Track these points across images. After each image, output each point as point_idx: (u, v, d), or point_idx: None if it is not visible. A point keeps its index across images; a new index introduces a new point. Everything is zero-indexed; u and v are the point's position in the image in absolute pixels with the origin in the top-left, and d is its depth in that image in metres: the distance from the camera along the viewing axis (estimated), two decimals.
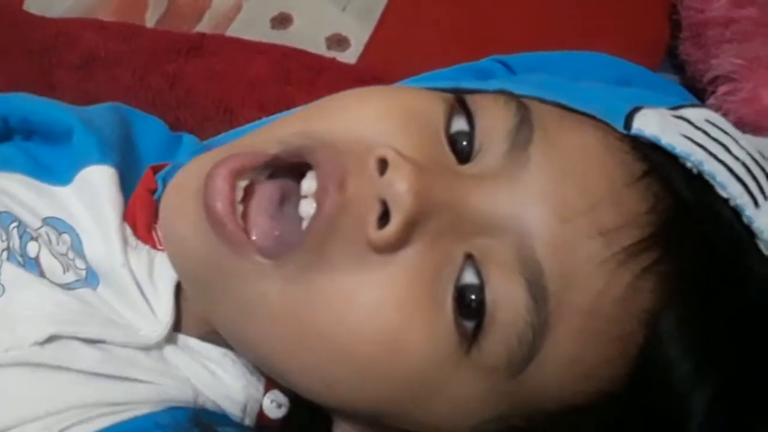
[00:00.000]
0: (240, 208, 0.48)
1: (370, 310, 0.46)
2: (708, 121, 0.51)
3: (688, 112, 0.52)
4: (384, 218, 0.46)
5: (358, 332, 0.46)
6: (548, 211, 0.46)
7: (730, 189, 0.48)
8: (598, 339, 0.46)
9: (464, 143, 0.49)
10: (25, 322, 0.51)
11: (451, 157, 0.49)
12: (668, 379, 0.46)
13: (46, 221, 0.55)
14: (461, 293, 0.47)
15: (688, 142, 0.49)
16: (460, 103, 0.50)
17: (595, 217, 0.46)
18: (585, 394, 0.47)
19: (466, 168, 0.49)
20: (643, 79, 0.64)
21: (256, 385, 0.54)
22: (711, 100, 0.81)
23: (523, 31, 0.79)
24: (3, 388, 0.50)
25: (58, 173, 0.57)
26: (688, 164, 0.49)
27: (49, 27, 0.84)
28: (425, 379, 0.47)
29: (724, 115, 0.79)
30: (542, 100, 0.51)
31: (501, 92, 0.51)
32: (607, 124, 0.50)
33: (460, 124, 0.50)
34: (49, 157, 0.59)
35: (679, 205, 0.47)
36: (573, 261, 0.46)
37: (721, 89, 0.82)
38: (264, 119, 0.62)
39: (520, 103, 0.49)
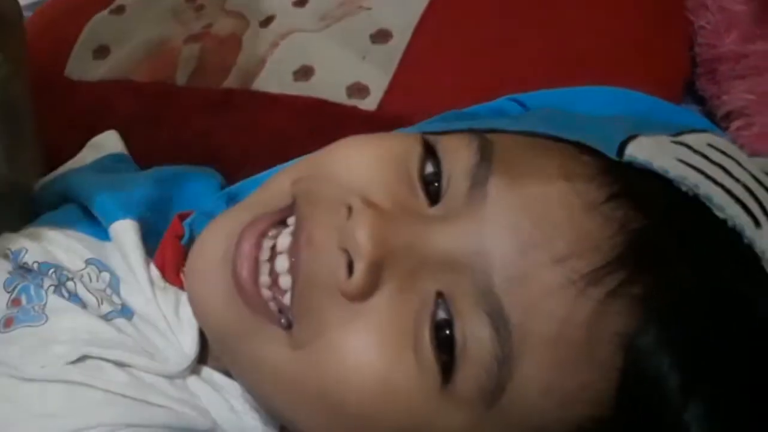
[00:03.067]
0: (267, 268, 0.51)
1: (357, 361, 0.48)
2: (710, 145, 0.52)
3: (689, 137, 0.52)
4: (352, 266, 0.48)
5: (350, 384, 0.48)
6: (506, 244, 0.47)
7: (728, 210, 0.48)
8: (570, 366, 0.46)
9: (435, 184, 0.51)
10: (62, 345, 0.54)
11: (423, 200, 0.51)
12: (657, 396, 0.46)
13: (89, 261, 0.59)
14: (438, 329, 0.48)
15: (684, 166, 0.49)
16: (426, 145, 0.52)
17: (550, 246, 0.46)
18: (570, 420, 0.47)
19: (434, 209, 0.50)
20: (663, 112, 0.63)
21: (273, 423, 0.55)
22: (727, 135, 0.81)
23: (542, 71, 0.80)
24: (42, 403, 0.53)
25: (103, 232, 0.61)
26: (683, 188, 0.49)
27: (89, 91, 0.88)
28: (417, 417, 0.48)
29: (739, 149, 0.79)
30: (526, 133, 0.53)
31: (468, 131, 0.53)
32: (580, 152, 0.50)
33: (431, 166, 0.52)
34: (96, 218, 0.62)
35: (654, 225, 0.47)
36: (532, 292, 0.46)
37: (734, 124, 0.82)
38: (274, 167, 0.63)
39: (483, 140, 0.51)
